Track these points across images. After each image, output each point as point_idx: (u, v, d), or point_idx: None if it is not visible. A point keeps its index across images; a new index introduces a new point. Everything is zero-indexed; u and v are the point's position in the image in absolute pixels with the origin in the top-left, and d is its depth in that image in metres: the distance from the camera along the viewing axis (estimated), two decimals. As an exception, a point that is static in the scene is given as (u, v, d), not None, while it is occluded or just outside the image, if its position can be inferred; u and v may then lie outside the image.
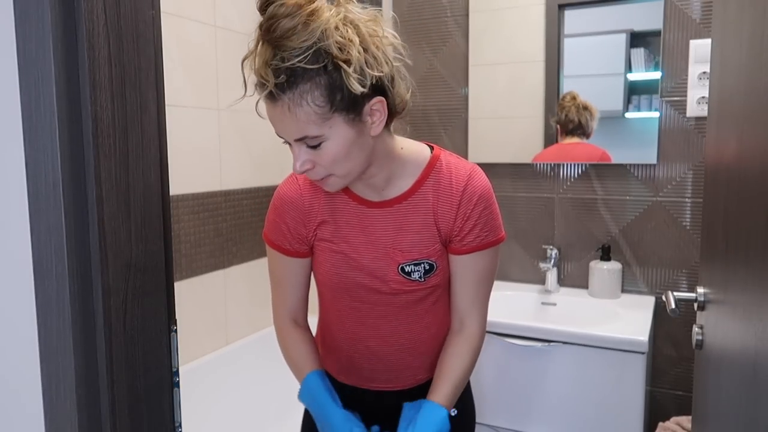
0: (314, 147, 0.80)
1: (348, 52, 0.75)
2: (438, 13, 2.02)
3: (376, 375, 1.03)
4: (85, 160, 0.51)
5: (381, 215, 0.94)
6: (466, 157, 2.02)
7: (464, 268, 0.96)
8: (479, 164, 2.18)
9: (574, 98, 1.85)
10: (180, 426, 0.63)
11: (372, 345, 1.01)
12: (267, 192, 2.12)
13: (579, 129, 1.86)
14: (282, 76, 0.75)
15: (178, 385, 0.63)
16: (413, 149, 0.95)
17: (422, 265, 0.94)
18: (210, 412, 1.77)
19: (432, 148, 0.97)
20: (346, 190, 0.95)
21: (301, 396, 0.99)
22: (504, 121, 1.97)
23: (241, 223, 2.01)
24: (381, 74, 0.79)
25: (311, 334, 1.06)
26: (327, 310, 1.05)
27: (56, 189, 0.50)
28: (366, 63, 0.77)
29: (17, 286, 0.54)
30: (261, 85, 0.78)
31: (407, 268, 0.94)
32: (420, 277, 0.94)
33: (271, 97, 0.78)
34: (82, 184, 0.51)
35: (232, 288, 1.97)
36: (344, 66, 0.75)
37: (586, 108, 1.85)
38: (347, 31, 0.76)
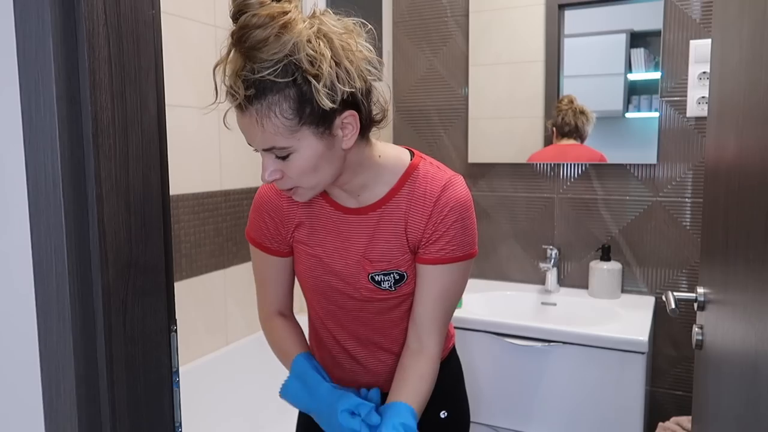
0: (282, 158, 0.79)
1: (319, 66, 0.74)
2: (438, 13, 2.02)
3: (357, 376, 1.02)
4: (85, 160, 0.51)
5: (356, 222, 0.92)
6: (466, 157, 2.02)
7: (427, 279, 0.91)
8: (479, 164, 2.17)
9: (571, 102, 1.86)
10: (180, 426, 0.63)
11: (350, 347, 1.00)
12: (267, 192, 2.12)
13: (575, 132, 1.86)
14: (251, 89, 0.74)
15: (178, 385, 0.63)
16: (392, 156, 0.92)
17: (392, 275, 0.92)
18: (210, 412, 1.77)
19: (413, 154, 0.95)
20: (323, 195, 0.94)
21: (287, 386, 0.95)
22: (504, 121, 1.97)
23: (241, 223, 2.01)
24: (353, 89, 0.77)
25: (297, 323, 1.06)
26: (312, 308, 1.06)
27: (56, 189, 0.50)
28: (337, 77, 0.75)
29: (17, 286, 0.54)
30: (231, 95, 0.78)
31: (377, 278, 0.92)
32: (390, 287, 0.92)
33: (240, 108, 0.77)
34: (82, 184, 0.51)
35: (232, 288, 1.97)
36: (314, 81, 0.74)
37: (582, 112, 1.85)
38: (319, 45, 0.74)
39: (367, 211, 0.92)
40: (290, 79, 0.73)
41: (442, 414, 0.98)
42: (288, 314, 1.06)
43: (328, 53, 0.75)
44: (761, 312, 0.62)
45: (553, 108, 1.88)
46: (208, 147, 1.82)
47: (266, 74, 0.73)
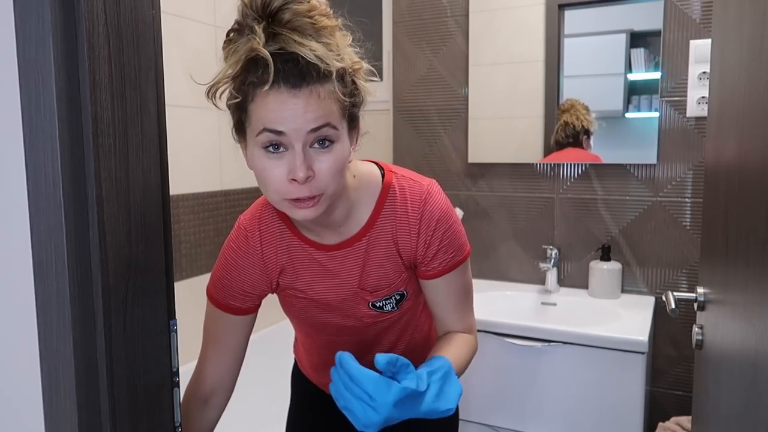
0: (324, 146, 0.72)
1: (360, 69, 0.76)
2: (438, 13, 2.02)
3: None
4: (85, 160, 0.51)
5: (341, 257, 0.88)
6: (466, 157, 2.02)
7: (440, 291, 0.92)
8: (479, 164, 2.17)
9: (572, 114, 1.86)
10: (180, 426, 0.63)
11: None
12: (267, 192, 2.12)
13: (575, 143, 1.87)
14: (314, 67, 0.70)
15: (178, 385, 0.63)
16: (365, 175, 0.88)
17: (393, 298, 0.91)
18: (210, 412, 1.77)
19: (381, 169, 0.90)
20: (300, 236, 0.88)
21: None
22: (504, 121, 1.97)
23: (241, 223, 2.00)
24: (363, 103, 0.79)
25: (216, 417, 0.95)
26: (298, 330, 1.05)
27: (56, 189, 0.50)
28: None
29: (17, 286, 0.54)
30: (283, 70, 0.69)
31: (378, 303, 0.91)
32: (393, 308, 0.92)
33: (300, 79, 0.69)
34: (82, 184, 0.51)
35: (232, 288, 1.96)
36: (359, 78, 0.76)
37: (587, 131, 1.85)
38: (354, 55, 0.76)
39: (352, 243, 0.87)
40: (342, 66, 0.72)
41: None
42: (220, 401, 0.93)
43: (361, 66, 0.77)
44: (761, 312, 0.62)
45: (555, 109, 1.88)
46: (208, 147, 1.82)
47: (331, 55, 0.71)
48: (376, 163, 0.92)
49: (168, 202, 0.60)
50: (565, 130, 1.86)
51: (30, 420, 0.55)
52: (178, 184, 1.72)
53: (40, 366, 0.54)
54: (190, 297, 1.79)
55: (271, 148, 0.72)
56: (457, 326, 0.95)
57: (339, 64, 0.71)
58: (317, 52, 0.69)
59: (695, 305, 1.03)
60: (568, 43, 1.85)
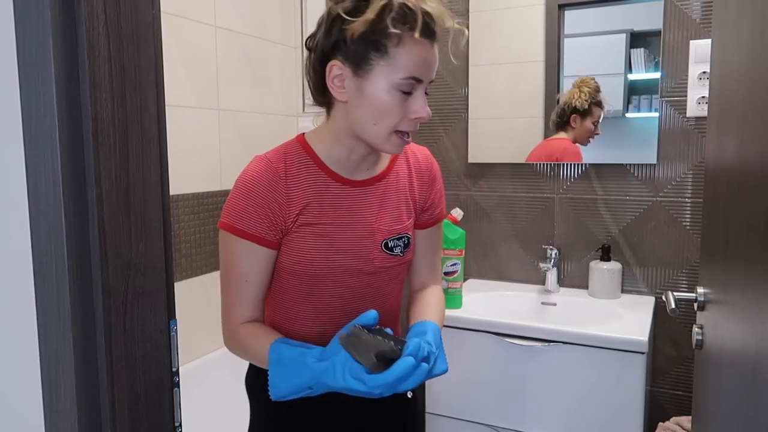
0: (427, 95, 0.90)
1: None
2: (438, 13, 2.02)
3: None
4: (85, 160, 0.51)
5: (362, 194, 0.97)
6: (466, 157, 2.02)
7: (429, 239, 1.08)
8: (479, 164, 2.17)
9: (580, 90, 1.84)
10: (180, 426, 0.63)
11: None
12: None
13: (562, 125, 1.86)
14: (437, 23, 0.87)
15: (178, 385, 0.63)
16: None
17: (402, 240, 1.00)
18: (210, 412, 1.77)
19: None
20: (327, 171, 0.95)
21: (274, 381, 0.84)
22: (504, 121, 1.97)
23: (241, 223, 2.00)
24: None
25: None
26: (289, 310, 0.99)
27: (56, 189, 0.50)
28: None
29: (17, 286, 0.54)
30: (427, 24, 0.86)
31: (390, 243, 0.98)
32: (401, 252, 1.00)
33: (434, 35, 0.88)
34: (82, 184, 0.51)
35: (232, 288, 1.96)
36: None
37: (577, 110, 1.84)
38: None
39: (373, 182, 0.98)
40: (449, 27, 0.91)
41: (409, 394, 1.00)
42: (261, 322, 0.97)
43: None
44: (761, 312, 0.62)
45: (560, 97, 1.87)
46: (208, 147, 1.82)
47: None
48: None
49: (168, 202, 0.60)
50: (558, 112, 1.86)
51: (30, 420, 0.55)
52: (178, 184, 1.72)
53: (40, 366, 0.54)
54: (190, 297, 1.79)
55: (404, 90, 0.86)
56: (435, 277, 1.11)
57: (449, 24, 0.89)
58: (445, 13, 0.87)
59: (695, 305, 1.03)
60: (568, 43, 1.85)
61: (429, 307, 1.02)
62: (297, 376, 0.82)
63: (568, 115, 1.85)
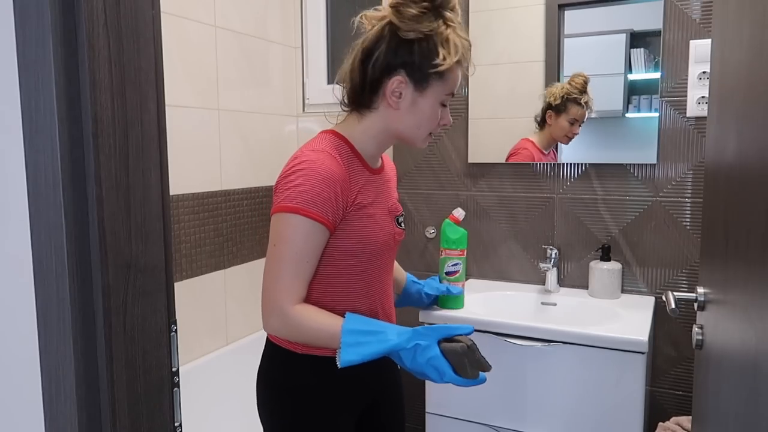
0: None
1: None
2: (438, 13, 2.02)
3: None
4: (85, 160, 0.51)
5: (381, 180, 1.16)
6: (466, 157, 2.03)
7: None
8: (479, 164, 2.17)
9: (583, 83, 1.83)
10: (180, 426, 0.63)
11: (386, 304, 1.18)
12: (267, 192, 2.12)
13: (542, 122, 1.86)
14: None
15: (178, 385, 0.63)
16: None
17: (402, 216, 1.20)
18: (210, 412, 1.78)
19: None
20: (362, 161, 1.11)
21: (348, 346, 0.98)
22: (504, 121, 1.97)
23: (241, 223, 2.01)
24: None
25: None
26: (345, 290, 1.10)
27: (56, 189, 0.50)
28: None
29: (17, 286, 0.54)
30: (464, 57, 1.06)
31: (399, 219, 1.18)
32: (403, 226, 1.21)
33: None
34: (82, 184, 0.51)
35: (232, 288, 1.97)
36: None
37: (552, 106, 1.83)
38: None
39: (380, 171, 1.17)
40: None
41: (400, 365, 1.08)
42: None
43: None
44: (761, 312, 0.62)
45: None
46: (208, 147, 1.82)
47: None
48: None
49: (168, 202, 0.60)
50: (542, 108, 1.86)
51: (30, 420, 0.55)
52: (178, 184, 1.72)
53: (40, 366, 0.54)
54: (190, 297, 1.79)
55: (444, 103, 1.09)
56: None
57: None
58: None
59: (695, 305, 1.03)
60: (568, 43, 1.85)
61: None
62: (376, 344, 0.98)
63: (545, 111, 1.86)
